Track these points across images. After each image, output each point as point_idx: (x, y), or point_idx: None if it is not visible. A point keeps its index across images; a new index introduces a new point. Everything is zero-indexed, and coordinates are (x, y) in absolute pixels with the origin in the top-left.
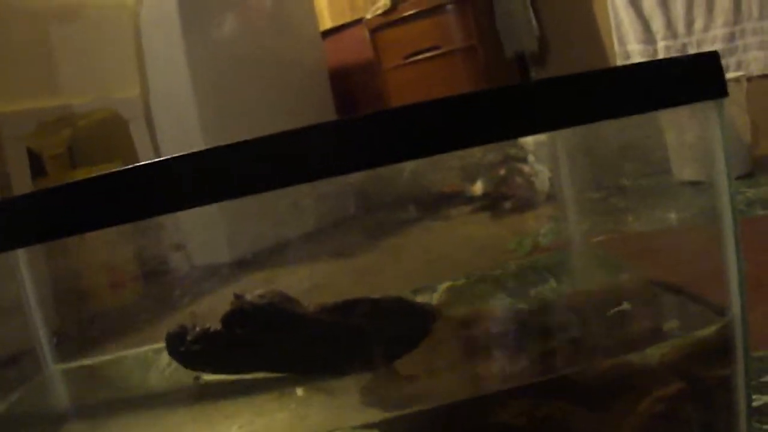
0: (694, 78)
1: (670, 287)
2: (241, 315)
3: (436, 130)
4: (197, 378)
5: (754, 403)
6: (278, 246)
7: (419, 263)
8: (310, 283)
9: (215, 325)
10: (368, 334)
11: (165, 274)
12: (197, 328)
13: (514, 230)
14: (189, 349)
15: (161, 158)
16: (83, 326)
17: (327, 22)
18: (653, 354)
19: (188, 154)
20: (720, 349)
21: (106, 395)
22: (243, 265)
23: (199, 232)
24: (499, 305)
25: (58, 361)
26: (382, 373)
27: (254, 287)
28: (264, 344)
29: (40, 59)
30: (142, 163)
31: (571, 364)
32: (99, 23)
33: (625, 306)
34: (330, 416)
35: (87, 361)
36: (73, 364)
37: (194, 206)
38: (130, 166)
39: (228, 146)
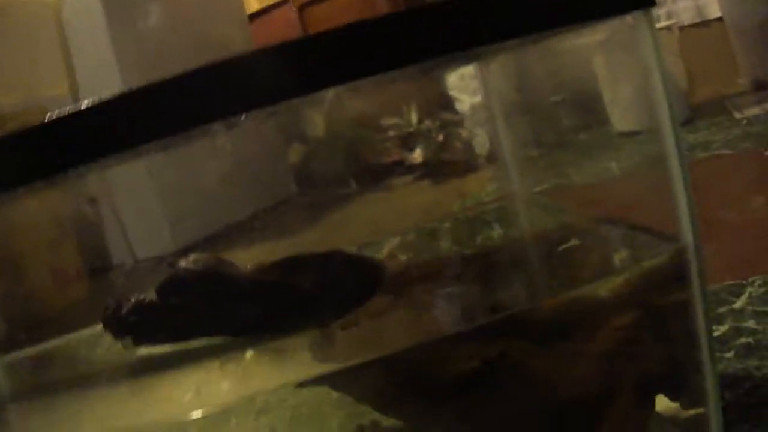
0: None
1: (619, 223)
2: (175, 283)
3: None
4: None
5: (714, 333)
6: (221, 231)
7: (365, 233)
8: (255, 265)
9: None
10: (311, 290)
11: (109, 270)
12: (132, 300)
13: (457, 194)
14: (125, 323)
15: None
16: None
17: (254, 5)
18: (605, 287)
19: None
20: (674, 277)
21: (44, 380)
22: (188, 254)
23: (142, 225)
24: (447, 252)
25: None
26: (331, 329)
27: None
28: (203, 311)
29: None
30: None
31: (521, 303)
32: (22, 22)
33: (573, 243)
34: (278, 375)
35: (24, 353)
36: (8, 357)
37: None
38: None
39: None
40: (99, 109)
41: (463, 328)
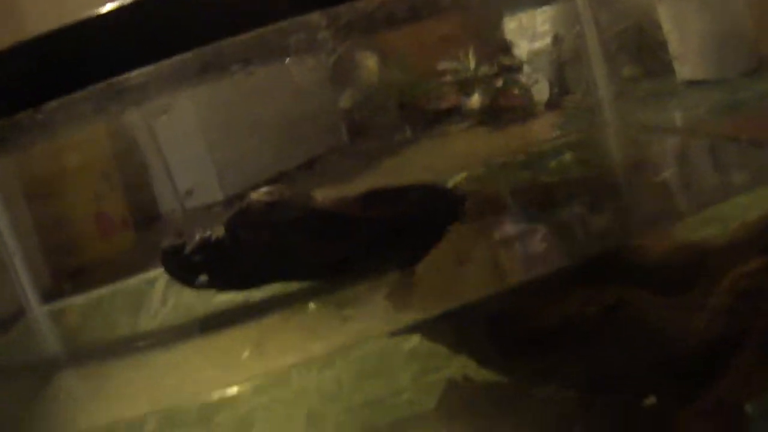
0: None
1: (728, 138)
2: (246, 215)
3: None
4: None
5: None
6: (272, 180)
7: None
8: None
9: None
10: (394, 225)
11: (157, 220)
12: (197, 236)
13: (516, 142)
14: (188, 262)
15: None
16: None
17: None
18: (724, 232)
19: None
20: None
21: (100, 335)
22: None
23: (190, 174)
24: (528, 182)
25: (43, 302)
26: (412, 270)
27: None
28: (276, 248)
29: None
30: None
31: (627, 236)
32: None
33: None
34: (355, 328)
35: (75, 301)
36: (60, 305)
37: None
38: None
39: None
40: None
41: (571, 264)
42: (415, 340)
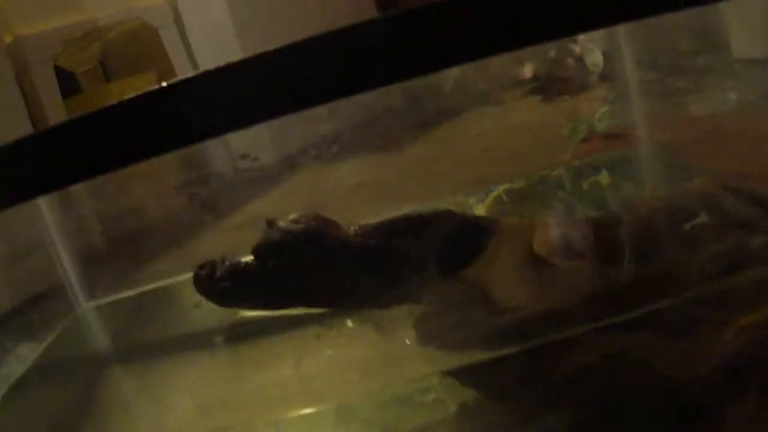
0: None
1: (745, 193)
2: (273, 244)
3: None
4: (196, 305)
5: None
6: (322, 142)
7: (472, 154)
8: (357, 179)
9: (247, 257)
10: (417, 256)
11: (209, 181)
12: (227, 263)
13: (567, 114)
14: (218, 287)
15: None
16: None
17: None
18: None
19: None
20: None
21: (143, 334)
22: (288, 165)
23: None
24: (565, 216)
25: (90, 298)
26: (437, 300)
27: (293, 203)
28: (301, 276)
29: None
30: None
31: (657, 297)
32: None
33: (702, 218)
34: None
35: (119, 296)
36: (106, 300)
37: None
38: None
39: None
40: None
41: (590, 324)
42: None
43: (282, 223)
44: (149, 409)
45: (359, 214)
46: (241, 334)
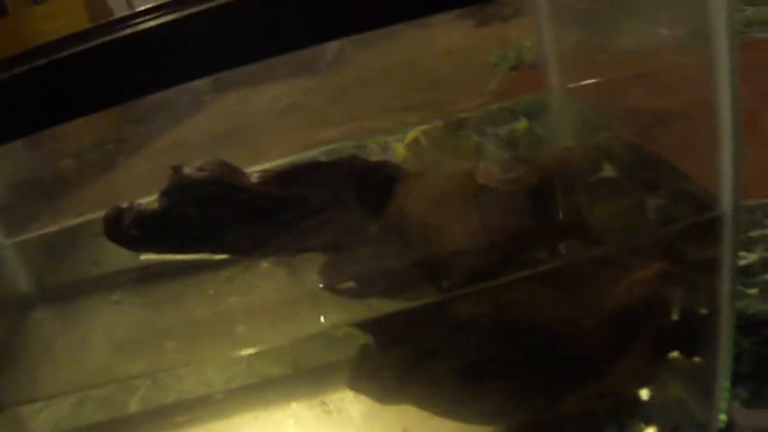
0: None
1: (654, 158)
2: (178, 191)
3: None
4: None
5: (740, 262)
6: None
7: (399, 80)
8: (287, 102)
9: (152, 203)
10: (319, 205)
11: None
12: (133, 209)
13: (497, 41)
14: (126, 235)
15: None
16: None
17: None
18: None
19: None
20: (706, 234)
21: (60, 273)
22: (217, 85)
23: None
24: (472, 164)
25: (6, 235)
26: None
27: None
28: (207, 223)
29: None
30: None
31: (552, 257)
32: None
33: (608, 172)
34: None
35: (36, 234)
36: (23, 237)
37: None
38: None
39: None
40: None
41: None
42: None
43: (187, 170)
44: (68, 350)
45: (286, 138)
46: (153, 275)
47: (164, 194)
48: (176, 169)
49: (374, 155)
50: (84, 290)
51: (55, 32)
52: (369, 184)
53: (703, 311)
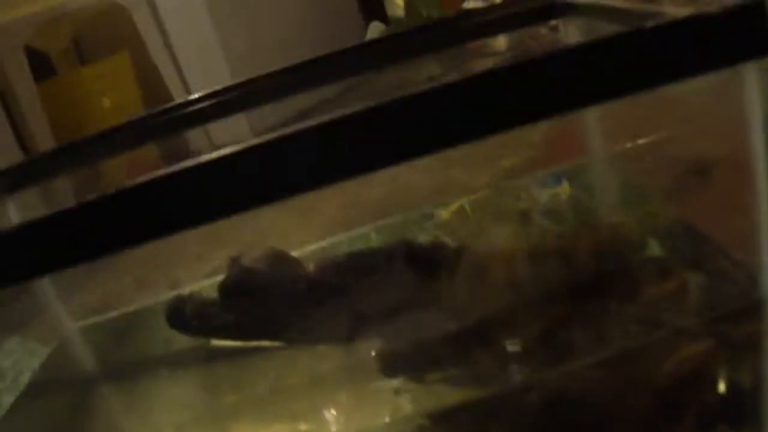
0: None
1: (697, 234)
2: (237, 283)
3: None
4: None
5: None
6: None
7: None
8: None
9: (209, 288)
10: (375, 291)
11: None
12: (194, 299)
13: None
14: (189, 325)
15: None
16: None
17: None
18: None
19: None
20: (749, 313)
21: (127, 354)
22: None
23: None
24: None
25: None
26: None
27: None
28: (265, 313)
29: None
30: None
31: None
32: None
33: (655, 251)
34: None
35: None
36: (91, 321)
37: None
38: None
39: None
40: None
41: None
42: None
43: (245, 261)
44: (133, 427)
45: (333, 194)
46: (216, 355)
47: (223, 286)
48: (234, 260)
49: (418, 225)
50: (151, 369)
51: (102, 93)
52: (424, 267)
53: (748, 386)
